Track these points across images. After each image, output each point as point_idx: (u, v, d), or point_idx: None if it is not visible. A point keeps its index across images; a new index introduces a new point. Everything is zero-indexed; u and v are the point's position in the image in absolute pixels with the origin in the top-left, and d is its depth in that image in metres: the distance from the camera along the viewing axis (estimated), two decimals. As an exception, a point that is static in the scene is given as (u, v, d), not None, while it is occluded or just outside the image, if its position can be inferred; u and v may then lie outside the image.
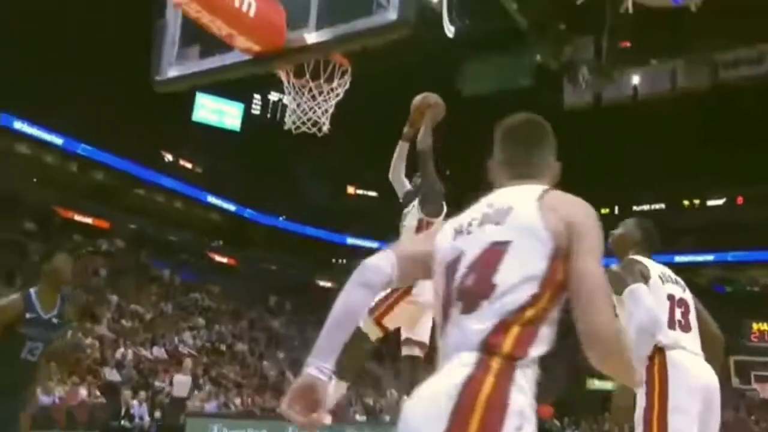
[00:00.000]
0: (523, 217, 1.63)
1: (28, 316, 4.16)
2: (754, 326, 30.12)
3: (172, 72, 4.07)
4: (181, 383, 14.21)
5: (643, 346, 2.97)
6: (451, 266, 1.68)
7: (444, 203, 4.31)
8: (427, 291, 4.21)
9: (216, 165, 32.95)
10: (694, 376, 3.05)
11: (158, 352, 19.05)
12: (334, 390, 4.22)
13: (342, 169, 34.83)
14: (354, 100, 4.51)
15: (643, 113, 21.71)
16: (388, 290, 4.23)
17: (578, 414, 25.73)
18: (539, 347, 1.53)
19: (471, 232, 1.70)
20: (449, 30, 11.33)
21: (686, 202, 35.73)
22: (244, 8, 3.54)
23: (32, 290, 4.27)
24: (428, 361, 4.39)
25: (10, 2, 21.87)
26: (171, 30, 4.05)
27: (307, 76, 4.21)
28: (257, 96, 34.07)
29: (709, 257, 32.11)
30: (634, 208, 33.50)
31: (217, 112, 33.02)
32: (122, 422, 14.34)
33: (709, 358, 3.16)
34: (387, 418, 19.96)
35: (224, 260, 32.54)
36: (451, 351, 1.56)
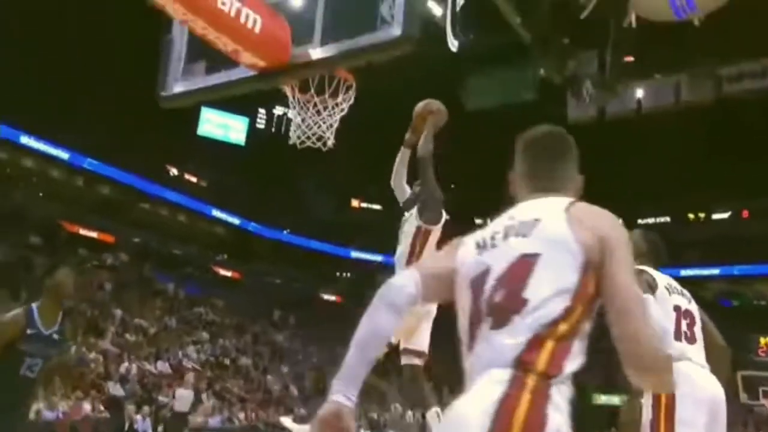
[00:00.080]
0: (551, 230, 1.61)
1: (28, 331, 4.12)
2: (762, 341, 29.86)
3: (178, 88, 4.10)
4: (182, 397, 14.17)
5: None
6: (478, 281, 1.64)
7: (443, 211, 4.32)
8: None
9: (221, 179, 33.08)
10: (700, 388, 3.03)
11: (162, 366, 19.01)
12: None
13: (346, 182, 34.90)
14: (358, 114, 4.53)
15: (648, 127, 21.71)
16: None
17: (585, 429, 25.50)
18: (573, 363, 1.50)
19: (495, 246, 1.67)
20: (453, 44, 11.36)
21: (691, 216, 35.62)
22: (250, 24, 3.57)
23: (34, 305, 4.24)
24: (427, 371, 4.34)
25: (15, 15, 22.12)
26: (177, 46, 4.08)
27: (312, 91, 4.24)
28: (262, 110, 34.24)
29: (715, 271, 31.96)
30: (639, 221, 33.39)
31: (222, 126, 33.19)
32: (126, 437, 14.31)
33: (715, 370, 3.15)
34: (391, 433, 19.83)
35: (228, 274, 32.56)
36: (481, 368, 1.52)
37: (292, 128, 4.47)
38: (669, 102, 12.53)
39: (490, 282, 1.61)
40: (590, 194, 1.82)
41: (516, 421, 1.39)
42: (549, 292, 1.53)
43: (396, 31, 3.43)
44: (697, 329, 3.20)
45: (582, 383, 1.55)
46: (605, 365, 5.08)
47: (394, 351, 4.14)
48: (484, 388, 1.46)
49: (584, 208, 1.68)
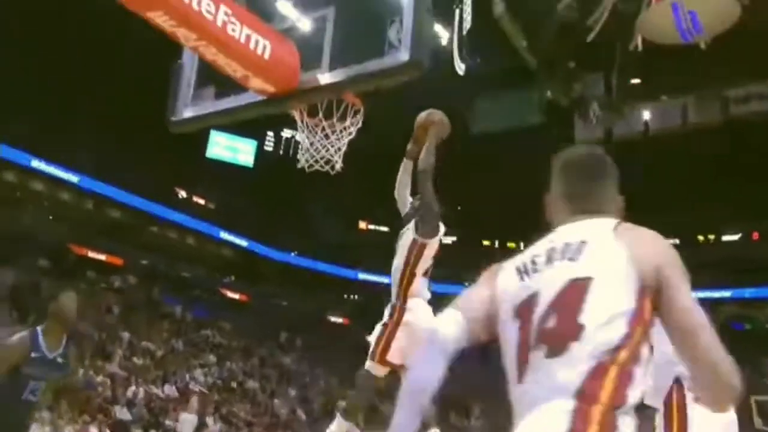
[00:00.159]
0: (601, 252, 1.56)
1: (33, 355, 4.11)
2: (775, 364, 29.41)
3: (188, 113, 4.14)
4: (186, 422, 14.08)
5: (665, 378, 2.92)
6: (524, 308, 1.57)
7: (440, 225, 4.26)
8: (420, 313, 4.17)
9: (229, 201, 33.20)
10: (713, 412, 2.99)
11: (169, 390, 18.91)
12: (336, 427, 4.14)
13: (354, 204, 34.96)
14: (365, 137, 4.56)
15: (655, 149, 21.70)
16: (381, 326, 4.19)
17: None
18: (636, 391, 1.43)
19: (538, 271, 1.61)
20: (460, 68, 11.46)
21: (701, 238, 35.39)
22: (259, 51, 3.61)
23: (39, 328, 4.24)
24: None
25: (30, 51, 22.47)
26: (187, 72, 4.14)
27: (320, 115, 4.27)
28: (270, 133, 34.47)
29: (726, 293, 31.62)
30: (648, 243, 33.18)
31: (231, 149, 33.39)
32: (132, 462, 14.20)
33: None
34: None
35: (236, 296, 32.52)
36: (537, 398, 1.45)
37: (301, 152, 4.49)
38: (676, 124, 12.53)
39: (540, 308, 1.54)
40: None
41: None
42: (605, 317, 1.46)
43: (404, 56, 3.46)
44: None
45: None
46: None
47: (396, 371, 4.08)
48: (547, 421, 1.39)
49: (632, 229, 1.63)
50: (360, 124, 4.35)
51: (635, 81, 9.46)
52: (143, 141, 22.58)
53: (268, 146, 34.82)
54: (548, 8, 7.62)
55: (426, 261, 4.21)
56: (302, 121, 4.38)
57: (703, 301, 1.54)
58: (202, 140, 31.75)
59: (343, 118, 4.27)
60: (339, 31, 3.80)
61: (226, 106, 4.11)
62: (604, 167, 1.82)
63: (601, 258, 1.55)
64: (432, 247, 4.22)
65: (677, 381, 2.99)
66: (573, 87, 10.17)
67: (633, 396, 1.42)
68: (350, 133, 4.35)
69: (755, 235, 33.59)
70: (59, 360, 4.23)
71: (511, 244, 38.42)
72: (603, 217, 1.69)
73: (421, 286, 4.22)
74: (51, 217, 27.25)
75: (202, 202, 33.65)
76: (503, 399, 1.60)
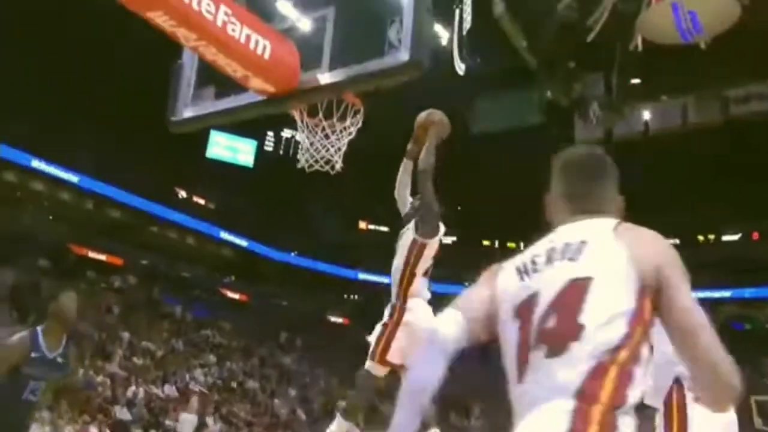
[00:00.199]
0: (601, 252, 1.56)
1: (33, 355, 4.12)
2: (775, 364, 29.42)
3: (188, 113, 4.14)
4: (186, 421, 14.08)
5: (665, 378, 2.93)
6: (524, 308, 1.57)
7: (440, 225, 4.25)
8: (420, 313, 4.16)
9: (229, 201, 33.20)
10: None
11: (169, 389, 18.92)
12: (336, 427, 4.14)
13: (354, 204, 34.97)
14: (365, 137, 4.56)
15: (655, 148, 21.71)
16: (381, 326, 4.19)
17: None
18: (636, 392, 1.43)
19: (538, 270, 1.61)
20: (460, 68, 11.46)
21: (701, 238, 35.39)
22: (259, 51, 3.61)
23: (39, 328, 4.24)
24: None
25: (30, 51, 22.48)
26: (187, 72, 4.14)
27: (321, 115, 4.27)
28: (270, 133, 34.48)
29: (726, 293, 31.61)
30: (648, 243, 33.16)
31: (231, 149, 33.40)
32: (132, 462, 14.19)
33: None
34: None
35: (236, 296, 32.53)
36: (537, 398, 1.45)
37: (301, 152, 4.49)
38: (676, 124, 12.53)
39: (540, 308, 1.54)
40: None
41: None
42: (605, 316, 1.46)
43: (404, 56, 3.46)
44: None
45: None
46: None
47: (396, 371, 4.06)
48: (547, 421, 1.39)
49: (632, 229, 1.63)
50: (360, 124, 4.35)
51: (635, 81, 9.46)
52: (143, 141, 22.59)
53: (268, 146, 34.83)
54: (548, 8, 7.62)
55: (426, 261, 4.20)
56: (302, 121, 4.38)
57: (703, 301, 1.54)
58: (202, 140, 31.76)
59: (343, 118, 4.27)
60: (339, 31, 3.80)
61: (226, 106, 4.11)
62: (604, 167, 1.81)
63: (601, 258, 1.55)
64: (432, 247, 4.21)
65: (677, 381, 2.99)
66: (573, 87, 10.17)
67: (633, 396, 1.42)
68: (350, 133, 4.35)
69: (755, 235, 33.60)
70: (59, 360, 4.23)
71: (511, 244, 38.41)
72: (603, 217, 1.68)
73: (421, 286, 4.22)
74: (51, 217, 27.25)
75: (202, 202, 33.65)
76: (503, 399, 1.60)
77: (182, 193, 32.97)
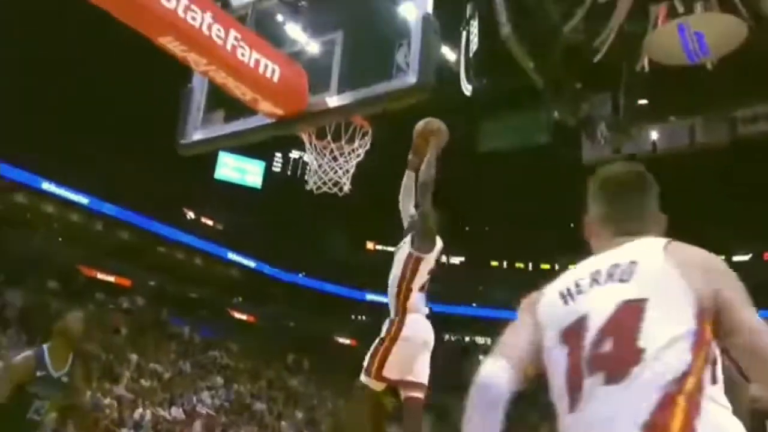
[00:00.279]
0: (654, 273, 1.47)
1: (38, 373, 4.12)
2: (789, 386, 28.94)
3: (197, 135, 4.17)
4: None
5: None
6: (572, 332, 1.49)
7: (436, 240, 4.16)
8: (419, 328, 4.10)
9: (237, 222, 33.30)
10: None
11: (176, 412, 18.83)
12: None
13: (361, 225, 34.99)
14: (373, 157, 4.57)
15: (663, 168, 21.65)
16: (377, 342, 4.12)
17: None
18: (706, 426, 1.34)
19: (583, 293, 1.52)
20: (467, 89, 11.50)
21: (711, 258, 35.11)
22: (269, 74, 3.66)
23: (45, 347, 4.26)
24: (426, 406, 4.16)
25: (41, 74, 22.78)
26: (197, 96, 4.18)
27: (329, 137, 4.30)
28: (278, 154, 34.68)
29: (738, 314, 31.29)
30: (658, 263, 32.90)
31: (239, 170, 33.60)
32: (138, 485, 14.07)
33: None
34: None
35: (243, 317, 32.45)
36: (597, 426, 1.37)
37: (309, 174, 4.51)
38: (684, 144, 12.49)
39: (591, 332, 1.45)
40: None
41: None
42: (665, 339, 1.38)
43: (411, 79, 3.49)
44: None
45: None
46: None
47: (394, 386, 4.00)
48: None
49: (684, 248, 1.54)
50: (368, 146, 4.37)
51: (642, 101, 9.46)
52: (152, 162, 22.76)
53: (276, 167, 35.01)
54: (555, 30, 7.66)
55: (422, 276, 4.11)
56: (311, 143, 4.41)
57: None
58: (211, 161, 31.97)
59: (351, 141, 4.29)
60: (347, 54, 3.84)
61: (235, 129, 4.15)
62: (645, 184, 1.73)
63: (654, 278, 1.47)
64: (428, 263, 4.13)
65: None
66: (580, 107, 10.17)
67: (702, 429, 1.34)
68: (358, 155, 4.37)
69: (766, 256, 33.34)
70: (64, 379, 4.23)
71: (519, 265, 38.25)
72: (648, 237, 1.61)
73: (418, 301, 4.13)
74: (61, 239, 27.40)
75: (210, 222, 33.77)
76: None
77: (190, 214, 33.11)
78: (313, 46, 4.05)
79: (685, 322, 1.40)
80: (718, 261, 1.54)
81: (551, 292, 1.61)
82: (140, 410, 17.26)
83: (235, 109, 3.99)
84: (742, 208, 27.98)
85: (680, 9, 6.12)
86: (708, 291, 1.43)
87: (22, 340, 17.02)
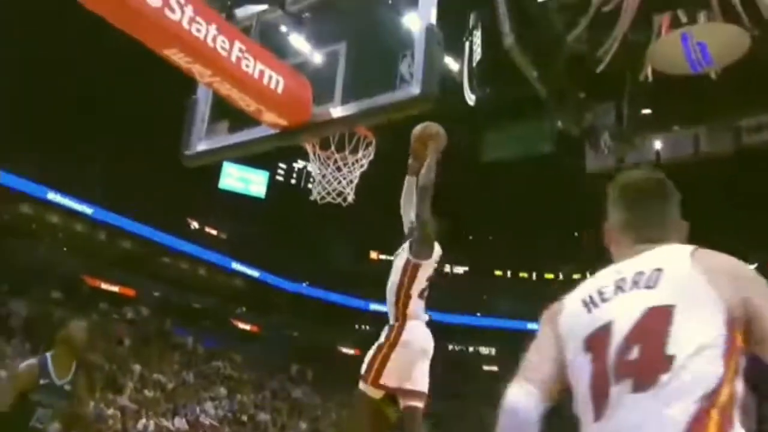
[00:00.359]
0: (681, 280, 1.45)
1: (41, 382, 4.13)
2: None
3: (201, 146, 4.18)
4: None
5: None
6: (596, 339, 1.46)
7: (434, 247, 4.12)
8: (418, 335, 4.06)
9: (241, 232, 33.34)
10: None
11: (179, 422, 18.77)
12: None
13: (365, 234, 34.98)
14: (377, 167, 4.57)
15: (667, 177, 21.63)
16: (375, 348, 4.07)
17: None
18: None
19: (607, 300, 1.50)
20: (470, 98, 11.52)
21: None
22: (273, 85, 3.67)
23: (48, 355, 4.27)
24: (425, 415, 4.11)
25: (45, 83, 22.90)
26: (201, 107, 4.20)
27: (333, 148, 4.30)
28: (282, 164, 34.76)
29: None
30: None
31: (243, 180, 33.66)
32: (141, 496, 14.02)
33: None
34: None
35: (247, 327, 32.41)
36: None
37: (313, 184, 4.52)
38: (688, 153, 12.46)
39: (617, 338, 1.42)
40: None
41: None
42: (694, 346, 1.35)
43: (415, 89, 3.50)
44: None
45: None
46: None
47: (392, 394, 3.94)
48: None
49: (711, 255, 1.52)
50: (372, 156, 4.37)
51: (646, 111, 9.46)
52: (155, 172, 22.82)
53: (280, 177, 35.08)
54: (558, 40, 7.68)
55: (420, 283, 4.06)
56: (315, 154, 4.42)
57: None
58: (215, 171, 32.05)
59: (355, 151, 4.30)
60: (351, 65, 3.85)
61: (240, 140, 4.16)
62: (665, 190, 1.72)
63: (681, 285, 1.44)
64: (426, 269, 4.08)
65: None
66: (584, 117, 10.18)
67: None
68: (362, 166, 4.37)
69: (772, 265, 33.21)
70: (67, 387, 4.24)
71: (522, 274, 38.16)
72: (671, 244, 1.59)
73: (417, 307, 4.08)
74: (65, 249, 27.46)
75: (214, 232, 33.81)
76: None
77: (194, 224, 33.17)
78: (317, 57, 4.07)
79: (715, 329, 1.37)
80: (746, 268, 1.50)
81: (573, 301, 1.58)
82: (144, 421, 17.22)
83: (240, 119, 4.01)
84: (747, 218, 27.91)
85: (683, 19, 6.13)
86: (737, 299, 1.40)
87: (26, 350, 17.01)
